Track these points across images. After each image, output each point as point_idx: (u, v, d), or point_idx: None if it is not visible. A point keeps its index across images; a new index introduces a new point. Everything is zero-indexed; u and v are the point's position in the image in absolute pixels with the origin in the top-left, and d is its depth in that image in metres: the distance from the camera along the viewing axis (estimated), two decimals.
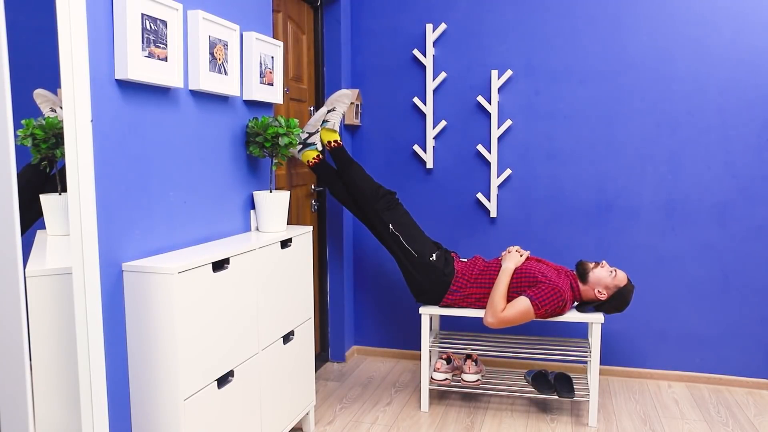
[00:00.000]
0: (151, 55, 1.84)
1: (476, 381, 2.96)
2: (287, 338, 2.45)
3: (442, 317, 3.53)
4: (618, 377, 3.36)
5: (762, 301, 3.17)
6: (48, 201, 1.63)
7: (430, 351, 3.04)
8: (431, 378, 2.98)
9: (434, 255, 2.86)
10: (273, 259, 2.31)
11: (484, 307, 2.83)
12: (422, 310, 2.89)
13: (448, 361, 3.06)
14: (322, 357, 3.55)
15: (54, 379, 1.61)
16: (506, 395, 3.09)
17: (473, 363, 3.00)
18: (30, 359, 1.49)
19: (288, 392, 2.47)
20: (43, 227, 1.65)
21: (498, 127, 3.39)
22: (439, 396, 3.13)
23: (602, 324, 3.34)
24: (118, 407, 1.81)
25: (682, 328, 3.27)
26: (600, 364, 3.38)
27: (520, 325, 3.43)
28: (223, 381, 2.01)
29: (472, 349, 3.03)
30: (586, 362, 3.16)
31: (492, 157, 3.40)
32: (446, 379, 2.98)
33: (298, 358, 2.55)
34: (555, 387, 2.89)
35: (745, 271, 3.18)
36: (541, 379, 2.94)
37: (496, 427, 2.77)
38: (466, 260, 2.99)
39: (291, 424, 2.50)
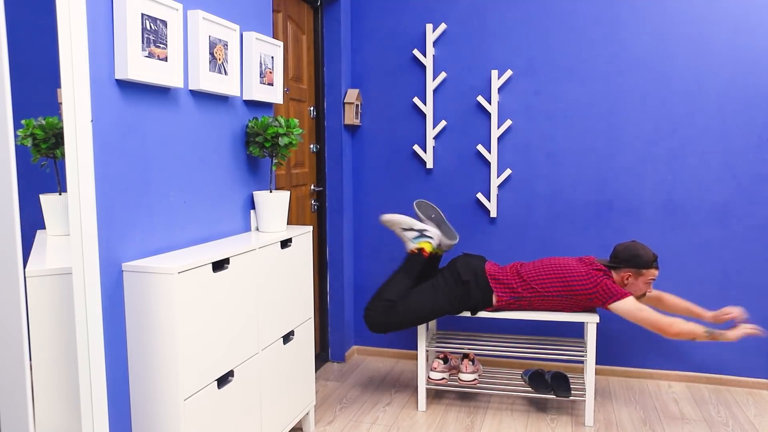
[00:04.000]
0: (151, 55, 1.84)
1: (473, 380, 2.96)
2: (287, 338, 2.45)
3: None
4: (618, 377, 3.36)
5: (762, 301, 3.17)
6: (48, 201, 1.63)
7: (427, 351, 3.06)
8: (428, 377, 2.99)
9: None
10: (273, 259, 2.31)
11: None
12: None
13: (445, 360, 3.07)
14: (322, 357, 3.55)
15: (54, 379, 1.61)
16: (503, 394, 3.10)
17: (470, 362, 3.00)
18: (30, 359, 1.49)
19: (288, 392, 2.47)
20: (43, 227, 1.65)
21: (498, 127, 3.39)
22: (437, 396, 3.13)
23: (598, 324, 3.34)
24: (118, 407, 1.81)
25: None
26: (600, 364, 3.38)
27: (517, 326, 3.45)
28: (223, 381, 2.01)
29: (469, 349, 3.03)
30: (582, 362, 3.16)
31: (492, 157, 3.40)
32: (443, 378, 2.99)
33: (298, 358, 2.55)
34: (552, 386, 2.89)
35: (745, 271, 3.18)
36: (538, 379, 2.94)
37: (497, 426, 2.77)
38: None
39: (291, 424, 2.50)
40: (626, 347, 3.35)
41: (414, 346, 3.64)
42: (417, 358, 3.62)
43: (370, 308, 2.81)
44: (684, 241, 3.23)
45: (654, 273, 2.76)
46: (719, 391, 3.17)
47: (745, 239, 3.17)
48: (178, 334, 1.77)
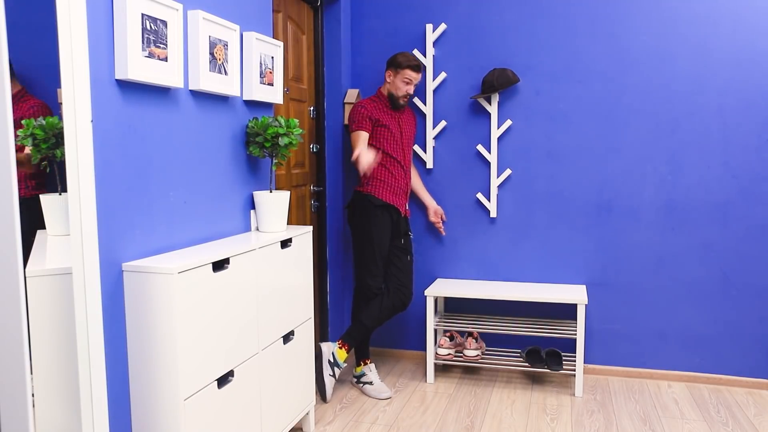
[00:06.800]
0: (151, 55, 1.84)
1: (476, 356, 3.27)
2: (287, 338, 2.45)
3: (447, 300, 3.59)
4: (618, 377, 3.36)
5: (762, 301, 3.17)
6: (48, 201, 1.63)
7: (435, 329, 3.33)
8: (436, 353, 3.29)
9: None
10: (273, 259, 2.32)
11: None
12: (427, 292, 3.25)
13: (451, 338, 3.38)
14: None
15: (54, 379, 1.61)
16: (503, 368, 3.32)
17: (474, 340, 3.31)
18: (30, 359, 1.49)
19: (288, 392, 2.47)
20: (43, 227, 1.65)
21: (498, 127, 3.39)
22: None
23: (599, 323, 3.35)
24: (118, 407, 1.81)
25: (682, 328, 3.28)
26: (600, 364, 3.39)
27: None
28: (223, 381, 2.01)
29: (473, 328, 3.26)
30: (574, 339, 3.32)
31: (492, 157, 3.40)
32: (449, 354, 3.30)
33: (298, 358, 2.55)
34: (546, 362, 3.19)
35: (745, 271, 3.18)
36: (534, 355, 3.26)
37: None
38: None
39: (291, 424, 2.50)
40: (626, 347, 3.35)
41: (414, 346, 3.65)
42: (417, 358, 3.63)
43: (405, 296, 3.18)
44: (684, 241, 3.23)
45: (408, 73, 3.04)
46: (719, 391, 3.17)
47: (745, 239, 3.17)
48: (179, 334, 1.77)
